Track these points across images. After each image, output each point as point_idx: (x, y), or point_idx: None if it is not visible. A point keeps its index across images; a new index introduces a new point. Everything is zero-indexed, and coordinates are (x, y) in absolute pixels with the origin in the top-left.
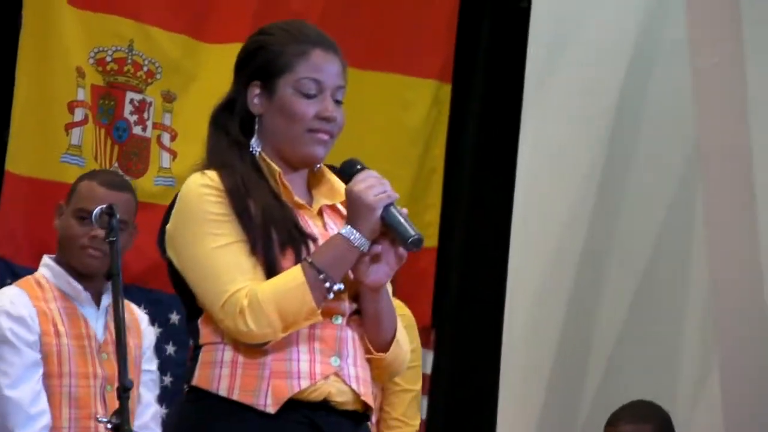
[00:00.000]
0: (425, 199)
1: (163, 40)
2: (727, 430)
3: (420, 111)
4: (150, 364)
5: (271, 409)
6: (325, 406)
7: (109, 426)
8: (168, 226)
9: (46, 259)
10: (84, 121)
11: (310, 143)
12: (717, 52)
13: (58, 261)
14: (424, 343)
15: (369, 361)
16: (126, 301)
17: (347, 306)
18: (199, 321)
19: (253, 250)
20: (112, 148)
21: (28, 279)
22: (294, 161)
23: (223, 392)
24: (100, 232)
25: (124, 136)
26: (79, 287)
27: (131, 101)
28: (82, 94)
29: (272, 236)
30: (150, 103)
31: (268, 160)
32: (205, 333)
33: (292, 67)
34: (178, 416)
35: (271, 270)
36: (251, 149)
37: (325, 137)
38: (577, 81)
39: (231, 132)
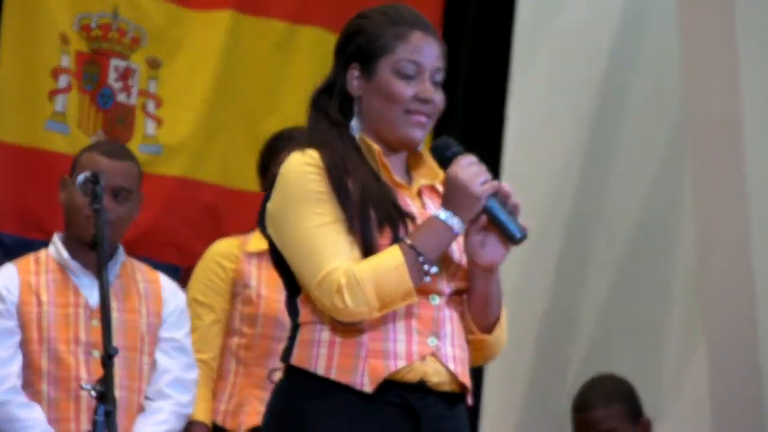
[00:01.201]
0: None
1: (149, 6)
2: (713, 403)
3: None
4: (172, 332)
5: (368, 389)
6: (420, 387)
7: (93, 394)
8: (269, 204)
9: (54, 237)
10: (68, 88)
11: (407, 125)
12: (707, 19)
13: (63, 236)
14: None
15: (470, 342)
16: (150, 269)
17: (446, 286)
18: (299, 300)
19: (351, 228)
20: (97, 115)
21: (30, 255)
22: (392, 143)
23: (320, 371)
24: (107, 201)
25: (109, 103)
26: (67, 256)
27: (116, 68)
28: (66, 61)
29: (370, 214)
30: (135, 70)
31: (368, 140)
32: (304, 312)
33: (392, 48)
34: (277, 395)
35: (368, 248)
36: (351, 130)
37: (423, 119)
38: (565, 48)
39: (331, 113)
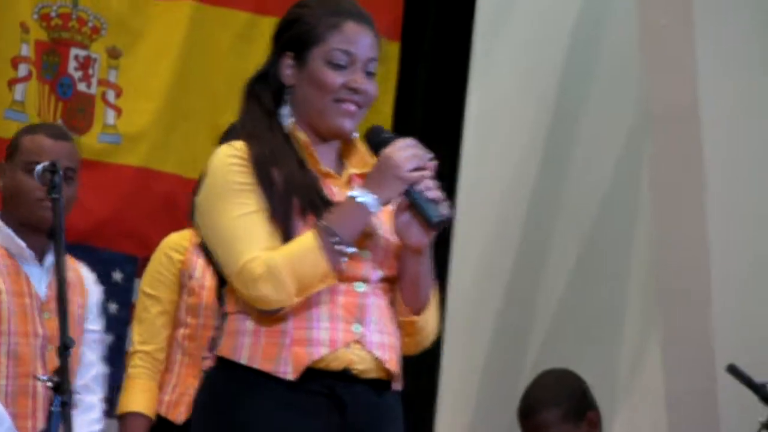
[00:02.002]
0: (373, 159)
1: None
2: (668, 396)
3: None
4: (95, 324)
5: (291, 377)
6: (346, 375)
7: (49, 384)
8: (197, 197)
9: None
10: (28, 77)
11: (337, 114)
12: (666, 13)
13: (4, 218)
14: None
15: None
16: (72, 259)
17: (372, 272)
18: (225, 290)
19: (273, 218)
20: (56, 104)
21: None
22: (323, 132)
23: (245, 361)
24: (38, 167)
25: (69, 93)
26: (23, 245)
27: (76, 57)
28: (26, 50)
29: (293, 202)
30: (95, 60)
31: (298, 130)
32: (230, 302)
33: (324, 38)
34: (205, 385)
35: (289, 237)
36: (281, 118)
37: (353, 108)
38: (525, 37)
39: (264, 102)
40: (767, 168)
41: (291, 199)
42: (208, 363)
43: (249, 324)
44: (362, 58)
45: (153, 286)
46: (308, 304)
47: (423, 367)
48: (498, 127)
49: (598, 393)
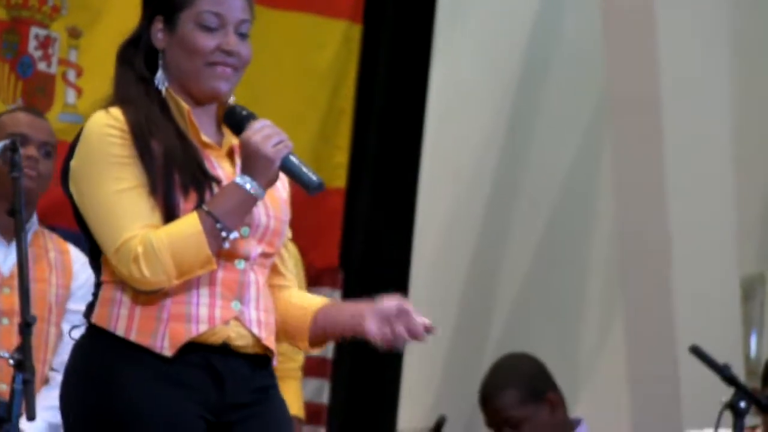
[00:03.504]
0: (334, 140)
1: None
2: (631, 375)
3: (330, 51)
4: (80, 304)
5: (168, 353)
6: (224, 349)
7: (11, 362)
8: (72, 163)
9: None
10: None
11: (211, 77)
12: None
13: None
14: (332, 284)
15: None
16: (60, 239)
17: (252, 249)
18: (102, 259)
19: (153, 193)
20: (16, 83)
21: None
22: (199, 97)
23: (120, 332)
24: (34, 152)
25: (29, 72)
26: None
27: (36, 36)
28: None
29: (174, 178)
30: (55, 39)
31: (176, 96)
32: (107, 271)
33: (193, 1)
34: (77, 352)
35: (171, 213)
36: (156, 84)
37: (228, 71)
38: (487, 22)
39: (136, 67)
40: (726, 154)
41: (172, 173)
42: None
43: (125, 295)
44: (233, 20)
45: None
46: (188, 280)
47: (386, 353)
48: (460, 111)
49: (561, 374)
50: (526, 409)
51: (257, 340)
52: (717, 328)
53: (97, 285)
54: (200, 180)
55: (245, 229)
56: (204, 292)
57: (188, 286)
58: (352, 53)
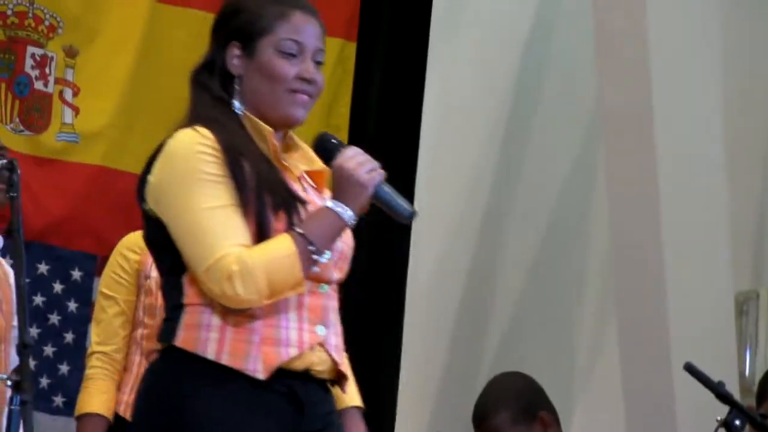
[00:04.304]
0: None
1: None
2: (626, 394)
3: (325, 69)
4: (17, 320)
5: (261, 375)
6: (304, 374)
7: (8, 383)
8: (153, 178)
9: None
10: None
11: (290, 104)
12: (620, 14)
13: None
14: None
15: None
16: None
17: (333, 275)
18: (185, 280)
19: (246, 213)
20: (13, 102)
21: None
22: (274, 122)
23: (210, 355)
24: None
25: (26, 91)
26: None
27: (32, 56)
28: None
29: (266, 199)
30: (52, 58)
31: (256, 120)
32: (191, 293)
33: (273, 28)
34: (160, 375)
35: (262, 233)
36: (234, 109)
37: (305, 98)
38: (481, 39)
39: (213, 90)
40: (720, 169)
41: (264, 194)
42: (155, 356)
43: (214, 318)
44: (311, 47)
45: (110, 287)
46: (277, 303)
47: (382, 368)
48: (454, 128)
49: (556, 392)
50: (518, 428)
51: (334, 366)
52: (711, 345)
53: (177, 307)
54: (290, 201)
55: (328, 254)
56: (292, 316)
57: (277, 309)
58: (347, 72)
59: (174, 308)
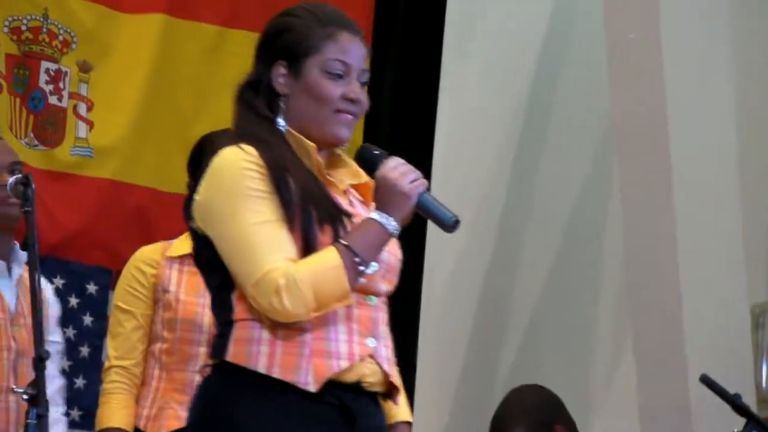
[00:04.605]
0: None
1: (79, 9)
2: (642, 406)
3: None
4: (54, 335)
5: (312, 388)
6: (356, 387)
7: (25, 397)
8: (199, 197)
9: None
10: None
11: (336, 124)
12: (633, 26)
13: None
14: None
15: None
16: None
17: (381, 286)
18: (234, 296)
19: (291, 227)
20: (28, 117)
21: None
22: (320, 141)
23: (262, 369)
24: (10, 179)
25: (40, 106)
26: None
27: (47, 71)
28: None
29: (311, 213)
30: (66, 73)
31: (300, 136)
32: (240, 309)
33: (320, 48)
34: (213, 390)
35: (309, 247)
36: (278, 126)
37: (350, 118)
38: (495, 47)
39: (258, 109)
40: (735, 179)
41: (309, 209)
42: (208, 371)
43: (264, 332)
44: (356, 68)
45: (126, 301)
46: (326, 315)
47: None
48: (469, 135)
49: (573, 405)
50: None
51: (385, 377)
52: (727, 357)
53: (227, 323)
54: (335, 215)
55: (375, 266)
56: (342, 328)
57: (326, 321)
58: None
59: (224, 324)
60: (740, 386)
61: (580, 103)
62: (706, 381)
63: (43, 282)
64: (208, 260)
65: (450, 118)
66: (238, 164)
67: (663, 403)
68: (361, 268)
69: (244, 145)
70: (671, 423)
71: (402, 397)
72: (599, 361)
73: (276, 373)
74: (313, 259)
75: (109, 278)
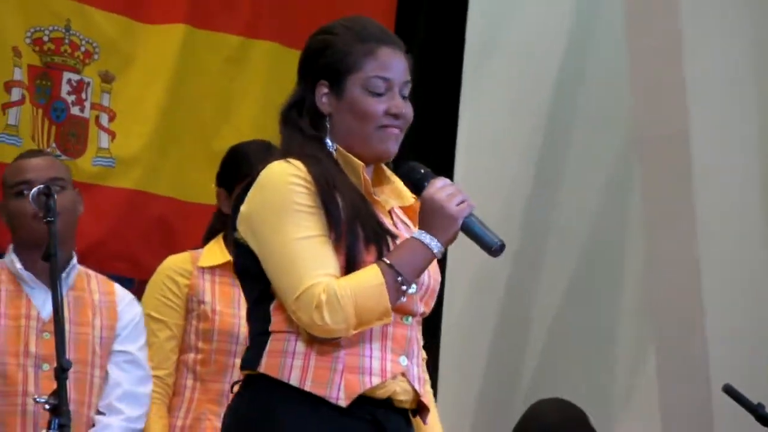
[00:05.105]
0: None
1: (101, 20)
2: (664, 415)
3: None
4: (126, 345)
5: (343, 403)
6: (387, 403)
7: (46, 407)
8: (245, 209)
9: (9, 247)
10: (21, 101)
11: (381, 140)
12: (654, 34)
13: (14, 246)
14: None
15: None
16: (105, 279)
17: (418, 307)
18: (271, 308)
19: (337, 244)
20: (50, 128)
21: None
22: (367, 157)
23: (294, 382)
24: (32, 191)
25: (62, 117)
26: (19, 266)
27: (69, 81)
28: (18, 74)
29: (358, 232)
30: (88, 84)
31: (347, 154)
32: (277, 321)
33: (361, 65)
34: (242, 400)
35: (352, 265)
36: (327, 146)
37: (396, 131)
38: (514, 66)
39: (304, 129)
40: (756, 187)
41: (356, 227)
42: (240, 383)
43: (299, 345)
44: (398, 82)
45: (159, 311)
46: (361, 332)
47: None
48: (489, 148)
49: (594, 414)
50: None
51: (416, 396)
52: (750, 366)
53: (263, 334)
54: (381, 235)
55: (413, 287)
56: (376, 345)
57: (361, 338)
58: None
59: (259, 335)
60: (763, 396)
61: (601, 111)
62: (729, 390)
63: (120, 291)
64: (250, 271)
65: (471, 128)
66: (286, 178)
67: (686, 413)
68: (404, 287)
69: (292, 160)
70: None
71: (434, 416)
72: (621, 370)
73: (308, 387)
74: (356, 276)
75: (131, 288)
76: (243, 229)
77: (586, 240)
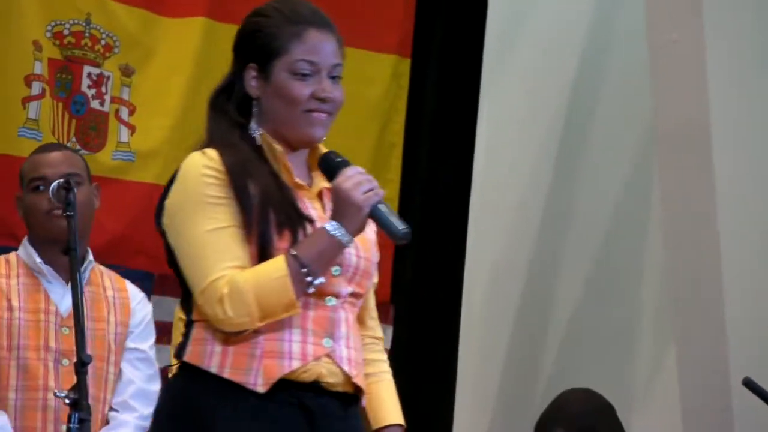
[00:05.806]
0: (385, 174)
1: (121, 13)
2: (684, 409)
3: (379, 86)
4: (139, 342)
5: (261, 389)
6: (315, 387)
7: (66, 401)
8: (167, 201)
9: (24, 240)
10: (41, 95)
11: (308, 124)
12: (675, 29)
13: (29, 240)
14: (384, 319)
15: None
16: (118, 277)
17: (342, 288)
18: (193, 298)
19: (248, 232)
20: (70, 122)
21: (1, 257)
22: (294, 142)
23: (214, 369)
24: (53, 185)
25: (82, 110)
26: (38, 260)
27: (89, 75)
28: (39, 68)
29: (269, 217)
30: (108, 77)
31: (270, 140)
32: (198, 310)
33: (287, 49)
34: (169, 391)
35: (264, 252)
36: (251, 131)
37: (323, 116)
38: (535, 56)
39: (230, 114)
40: None
41: (268, 212)
42: (173, 371)
43: (218, 333)
44: (326, 65)
45: None
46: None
47: (439, 387)
48: (508, 145)
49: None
50: None
51: (348, 378)
52: None
53: (188, 324)
54: (294, 219)
55: (336, 269)
56: (296, 329)
57: (281, 323)
58: (401, 88)
59: (186, 324)
60: None
61: (620, 109)
62: (749, 384)
63: (133, 289)
64: (175, 264)
65: (491, 122)
66: (198, 170)
67: (705, 407)
68: (309, 279)
69: (207, 150)
70: (714, 427)
71: (392, 400)
72: (641, 364)
73: (227, 374)
74: (259, 268)
75: (151, 283)
76: (164, 223)
77: (607, 233)
